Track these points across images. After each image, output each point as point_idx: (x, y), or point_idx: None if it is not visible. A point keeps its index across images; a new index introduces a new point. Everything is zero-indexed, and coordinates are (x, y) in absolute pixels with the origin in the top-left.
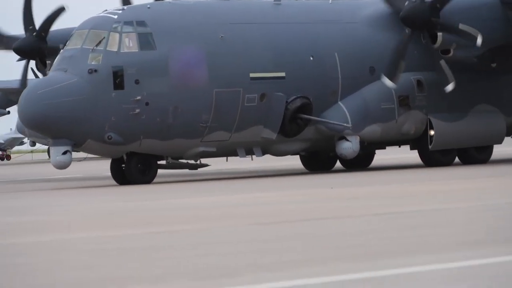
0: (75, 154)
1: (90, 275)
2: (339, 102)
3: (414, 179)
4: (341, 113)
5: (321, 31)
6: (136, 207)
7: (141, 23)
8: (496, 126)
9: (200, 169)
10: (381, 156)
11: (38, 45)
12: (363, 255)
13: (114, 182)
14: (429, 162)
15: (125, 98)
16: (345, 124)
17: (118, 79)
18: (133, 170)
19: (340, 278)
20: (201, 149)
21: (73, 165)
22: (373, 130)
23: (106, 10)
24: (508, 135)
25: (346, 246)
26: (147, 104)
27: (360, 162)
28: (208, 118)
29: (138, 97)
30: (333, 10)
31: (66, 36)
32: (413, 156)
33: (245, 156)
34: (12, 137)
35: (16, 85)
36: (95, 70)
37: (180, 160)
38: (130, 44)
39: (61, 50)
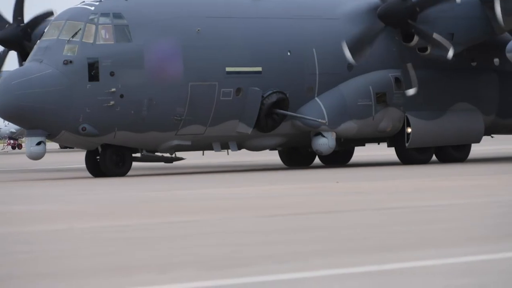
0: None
1: (99, 264)
2: (316, 98)
3: (416, 175)
4: (317, 109)
5: (300, 26)
6: (145, 198)
7: (117, 15)
8: (474, 125)
9: (181, 162)
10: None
11: (22, 38)
12: (370, 248)
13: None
14: (405, 160)
15: (100, 90)
16: (320, 120)
17: (93, 70)
18: (107, 162)
19: (347, 270)
20: (176, 142)
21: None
22: (349, 126)
23: (83, 2)
24: (486, 134)
25: (354, 239)
26: (121, 96)
27: (339, 159)
28: (183, 112)
29: (113, 89)
30: (313, 6)
31: None
32: (391, 153)
33: (220, 150)
34: None
35: None
36: (71, 61)
37: (155, 154)
38: (106, 36)
39: (38, 41)
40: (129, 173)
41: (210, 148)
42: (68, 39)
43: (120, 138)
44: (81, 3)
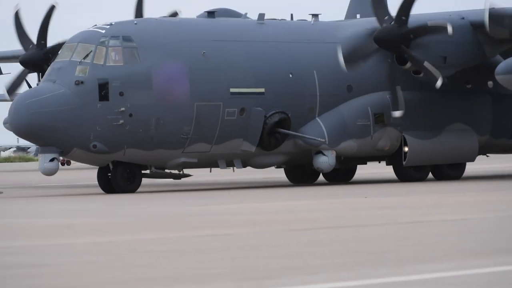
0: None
1: (138, 276)
2: (317, 118)
3: (433, 191)
4: (318, 128)
5: (301, 50)
6: (188, 212)
7: (127, 38)
8: (469, 145)
9: (190, 178)
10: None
11: (43, 61)
12: (395, 260)
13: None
14: (402, 177)
15: (109, 109)
16: (320, 139)
17: (103, 91)
18: (118, 178)
19: (371, 282)
20: (183, 159)
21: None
22: (349, 145)
23: (95, 25)
24: (481, 153)
25: (377, 251)
26: (130, 115)
27: (341, 176)
28: (189, 130)
29: (122, 109)
30: (314, 30)
31: None
32: (388, 171)
33: (225, 168)
34: None
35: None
36: (82, 82)
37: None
38: (116, 57)
39: (52, 62)
40: (139, 189)
41: (216, 165)
42: (80, 60)
43: (129, 155)
44: (93, 26)
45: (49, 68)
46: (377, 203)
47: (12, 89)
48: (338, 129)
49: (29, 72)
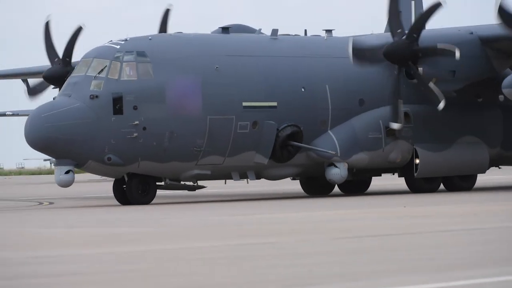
0: None
1: (183, 283)
2: (329, 131)
3: (467, 201)
4: (330, 141)
5: (314, 64)
6: (211, 222)
7: (141, 54)
8: (479, 157)
9: (204, 190)
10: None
11: (66, 77)
12: (437, 267)
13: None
14: (414, 189)
15: (124, 122)
16: (332, 152)
17: (117, 104)
18: (133, 190)
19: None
20: (196, 171)
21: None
22: (360, 157)
23: (111, 41)
24: (492, 165)
25: (420, 259)
26: (144, 128)
27: (357, 188)
28: (202, 143)
29: (136, 122)
30: (326, 45)
31: None
32: (399, 182)
33: (239, 180)
34: None
35: None
36: (97, 96)
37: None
38: (130, 72)
39: (69, 77)
40: (154, 201)
41: (229, 177)
42: (95, 75)
43: (143, 168)
44: (108, 41)
45: (65, 83)
46: (416, 213)
47: (33, 92)
48: (350, 142)
49: (49, 85)
